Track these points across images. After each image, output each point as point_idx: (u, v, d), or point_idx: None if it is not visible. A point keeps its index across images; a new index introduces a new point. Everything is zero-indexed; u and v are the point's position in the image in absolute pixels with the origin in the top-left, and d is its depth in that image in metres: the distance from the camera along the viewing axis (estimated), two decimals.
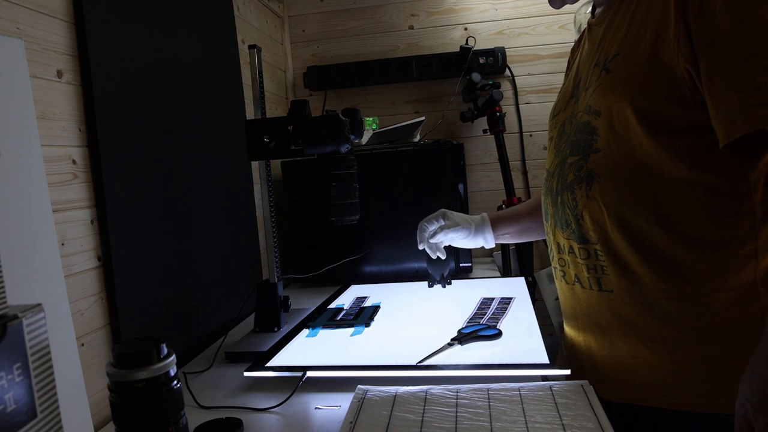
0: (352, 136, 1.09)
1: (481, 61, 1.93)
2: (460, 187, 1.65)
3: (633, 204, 0.81)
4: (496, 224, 1.19)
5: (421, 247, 1.21)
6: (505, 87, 1.97)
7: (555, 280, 0.98)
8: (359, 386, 0.83)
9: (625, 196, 0.81)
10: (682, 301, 0.80)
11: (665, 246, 0.80)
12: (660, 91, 0.77)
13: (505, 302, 1.20)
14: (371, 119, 1.82)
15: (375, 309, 1.23)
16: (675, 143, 0.78)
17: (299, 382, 0.89)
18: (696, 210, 0.78)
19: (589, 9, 1.15)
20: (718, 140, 0.72)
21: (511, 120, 1.97)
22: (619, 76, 0.81)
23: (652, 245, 0.80)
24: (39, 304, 0.46)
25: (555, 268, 0.96)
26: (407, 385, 0.82)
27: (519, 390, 0.78)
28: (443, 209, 1.21)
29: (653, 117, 0.78)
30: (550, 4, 0.96)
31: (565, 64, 1.10)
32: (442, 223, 1.18)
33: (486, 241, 1.19)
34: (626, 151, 0.80)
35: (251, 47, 1.13)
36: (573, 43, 1.08)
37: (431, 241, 1.19)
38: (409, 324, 1.15)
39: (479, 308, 1.18)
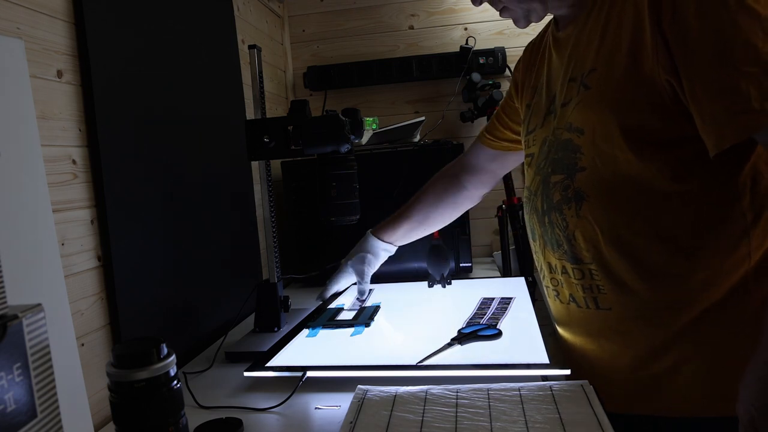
0: (352, 136, 1.09)
1: (481, 61, 1.93)
2: None
3: (625, 220, 0.80)
4: (380, 236, 1.23)
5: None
6: (505, 87, 1.97)
7: (547, 298, 0.97)
8: (359, 386, 0.83)
9: (616, 213, 0.80)
10: (677, 308, 0.80)
11: (661, 259, 0.79)
12: (641, 103, 0.76)
13: (505, 302, 1.20)
14: (371, 119, 1.82)
15: (375, 309, 1.23)
16: (661, 155, 0.77)
17: (299, 382, 0.89)
18: (688, 220, 0.78)
19: None
20: (708, 149, 0.71)
21: None
22: (599, 91, 0.80)
23: (648, 259, 0.80)
24: (39, 304, 0.46)
25: (547, 287, 0.95)
26: (407, 385, 0.81)
27: (519, 390, 0.78)
28: (335, 284, 1.25)
29: (637, 130, 0.77)
30: (515, 25, 0.90)
31: None
32: (362, 283, 1.24)
33: (385, 254, 1.24)
34: (613, 168, 0.79)
35: (251, 47, 1.13)
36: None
37: (363, 296, 1.26)
38: (409, 324, 1.15)
39: (479, 308, 1.18)
